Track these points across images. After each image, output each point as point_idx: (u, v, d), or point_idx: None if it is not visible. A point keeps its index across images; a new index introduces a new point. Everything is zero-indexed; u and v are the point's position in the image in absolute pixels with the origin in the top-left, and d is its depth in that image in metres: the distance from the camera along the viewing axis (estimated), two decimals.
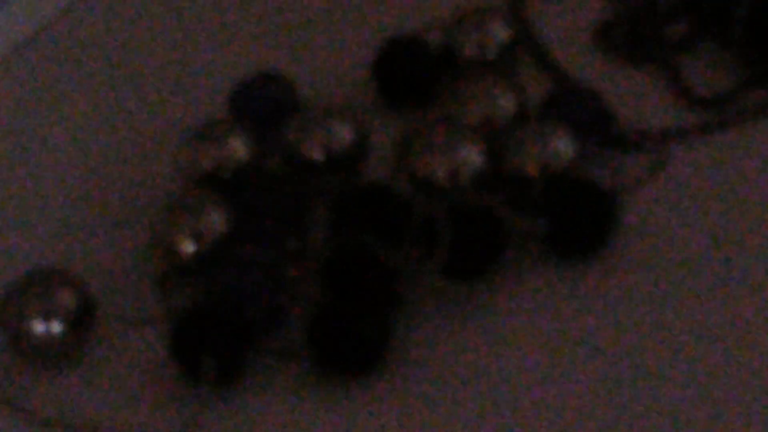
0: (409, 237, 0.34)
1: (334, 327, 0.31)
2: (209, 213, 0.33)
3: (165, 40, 0.45)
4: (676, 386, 0.32)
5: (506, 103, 0.36)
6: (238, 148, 0.35)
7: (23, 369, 0.33)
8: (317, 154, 0.35)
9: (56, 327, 0.32)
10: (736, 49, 0.40)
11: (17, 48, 0.45)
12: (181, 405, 0.32)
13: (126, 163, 0.40)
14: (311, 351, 0.32)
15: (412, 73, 0.39)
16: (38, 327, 0.32)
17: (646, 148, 0.37)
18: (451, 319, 0.34)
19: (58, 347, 0.33)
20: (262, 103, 0.38)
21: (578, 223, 0.33)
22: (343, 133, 0.35)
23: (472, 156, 0.34)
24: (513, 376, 0.33)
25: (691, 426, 0.32)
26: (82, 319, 0.33)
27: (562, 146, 0.34)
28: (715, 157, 0.36)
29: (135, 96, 0.43)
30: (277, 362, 0.33)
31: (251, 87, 0.38)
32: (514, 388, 0.32)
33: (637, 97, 0.39)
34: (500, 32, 0.39)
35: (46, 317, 0.32)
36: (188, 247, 0.33)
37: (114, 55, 0.44)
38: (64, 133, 0.42)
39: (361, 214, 0.34)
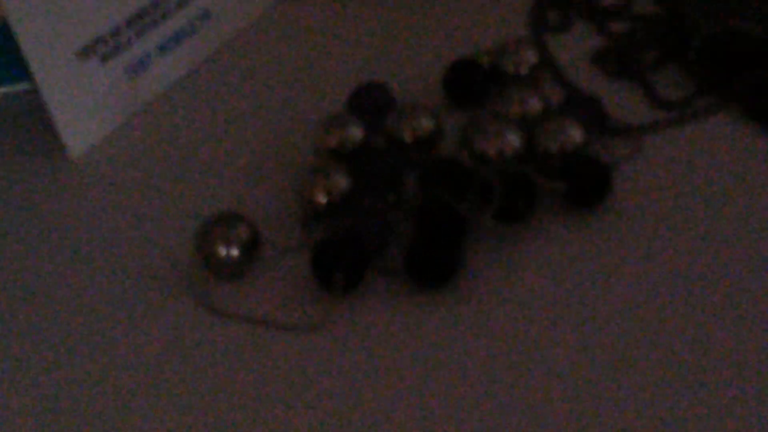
0: (471, 193, 0.33)
1: (422, 254, 0.31)
2: (335, 175, 0.33)
3: (307, 62, 0.43)
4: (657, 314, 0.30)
5: (535, 105, 0.35)
6: (355, 132, 0.35)
7: (213, 281, 0.33)
8: (408, 137, 0.35)
9: (234, 252, 0.32)
10: (691, 68, 0.38)
11: (214, 59, 0.43)
12: (317, 308, 0.31)
13: (279, 143, 0.39)
14: (407, 270, 0.31)
15: (470, 84, 0.38)
16: (222, 252, 0.32)
17: (629, 137, 0.35)
18: (500, 250, 0.33)
19: (235, 267, 0.32)
20: (371, 102, 0.37)
21: (585, 185, 0.33)
22: (426, 123, 0.35)
23: (512, 139, 0.33)
24: (543, 291, 0.31)
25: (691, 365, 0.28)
26: (251, 248, 0.32)
27: (574, 134, 0.33)
28: (677, 143, 0.35)
29: (288, 97, 0.41)
30: (383, 277, 0.32)
31: (363, 90, 0.37)
32: (544, 300, 0.31)
33: (623, 101, 0.38)
34: (530, 56, 0.38)
35: (228, 245, 0.32)
36: (321, 199, 0.33)
37: (276, 73, 0.42)
38: (241, 125, 0.41)
39: (439, 177, 0.33)
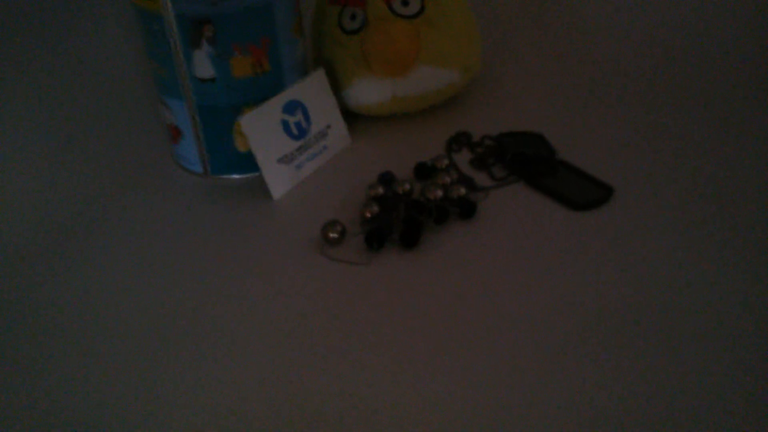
0: (425, 212, 0.53)
1: (405, 234, 0.48)
2: (372, 206, 0.54)
3: (361, 161, 0.66)
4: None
5: (447, 180, 0.59)
6: (379, 189, 0.58)
7: (327, 247, 0.51)
8: (400, 190, 0.60)
9: (335, 235, 0.51)
10: (507, 166, 0.63)
11: None
12: (367, 256, 0.49)
13: (354, 194, 0.59)
14: (400, 240, 0.49)
15: (424, 171, 0.63)
16: (332, 235, 0.50)
17: (483, 191, 0.58)
18: (436, 237, 0.51)
19: (336, 242, 0.51)
20: (387, 178, 0.60)
21: (466, 209, 0.55)
22: (407, 185, 0.60)
23: (438, 192, 0.57)
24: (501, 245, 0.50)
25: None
26: (343, 233, 0.51)
27: (461, 190, 0.57)
28: (502, 195, 0.56)
29: (356, 176, 0.62)
30: (391, 244, 0.49)
31: (383, 174, 0.61)
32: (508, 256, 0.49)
33: (479, 179, 0.61)
34: (445, 161, 0.64)
35: (332, 232, 0.50)
36: (367, 215, 0.53)
37: (350, 167, 0.64)
38: (337, 187, 0.61)
39: (412, 206, 0.54)
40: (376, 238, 0.51)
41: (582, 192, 0.60)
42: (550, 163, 0.64)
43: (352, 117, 0.74)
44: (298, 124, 0.67)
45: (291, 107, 0.66)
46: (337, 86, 0.73)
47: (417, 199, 0.57)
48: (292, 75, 0.67)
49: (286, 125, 0.66)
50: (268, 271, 0.52)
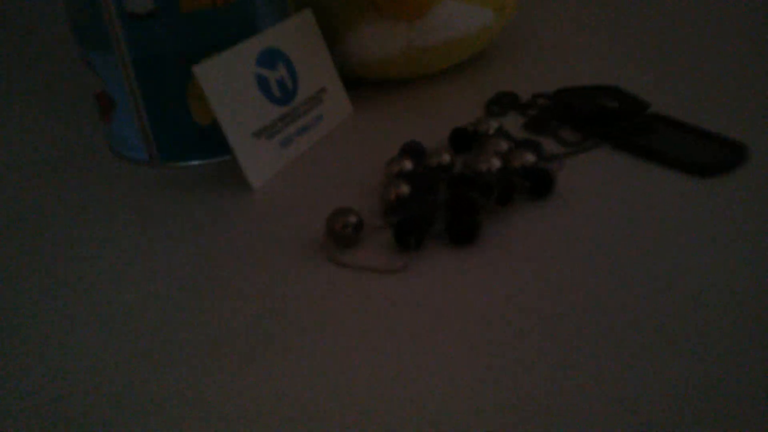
0: (478, 190, 0.39)
1: (456, 225, 0.36)
2: (402, 186, 0.40)
3: (373, 136, 0.51)
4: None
5: (503, 146, 0.44)
6: (406, 164, 0.42)
7: (337, 246, 0.38)
8: (435, 164, 0.43)
9: (348, 229, 0.38)
10: (576, 127, 0.48)
11: None
12: (397, 259, 0.37)
13: (367, 174, 0.45)
14: (448, 233, 0.37)
15: (463, 140, 0.47)
16: (343, 229, 0.37)
17: (556, 160, 0.44)
18: (498, 224, 0.38)
19: (349, 239, 0.38)
20: (412, 148, 0.44)
21: (541, 183, 0.40)
22: (446, 157, 0.43)
23: (495, 162, 0.42)
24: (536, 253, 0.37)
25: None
26: (358, 227, 0.38)
27: (530, 157, 0.42)
28: (579, 164, 0.43)
29: (368, 152, 0.48)
30: (434, 239, 0.38)
31: (407, 144, 0.45)
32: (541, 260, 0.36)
33: (547, 143, 0.46)
34: (493, 125, 0.48)
35: (344, 225, 0.38)
36: (402, 191, 0.40)
37: (359, 142, 0.50)
38: (342, 169, 0.47)
39: (460, 183, 0.40)
40: (412, 230, 0.37)
41: (701, 152, 0.45)
42: (645, 118, 0.49)
43: (352, 81, 0.59)
44: (281, 83, 0.50)
45: (269, 58, 0.49)
46: (331, 37, 0.57)
47: (464, 173, 0.42)
48: (268, 13, 0.51)
49: (263, 83, 0.48)
50: (252, 291, 0.37)
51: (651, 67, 0.60)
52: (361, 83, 0.61)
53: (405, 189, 0.41)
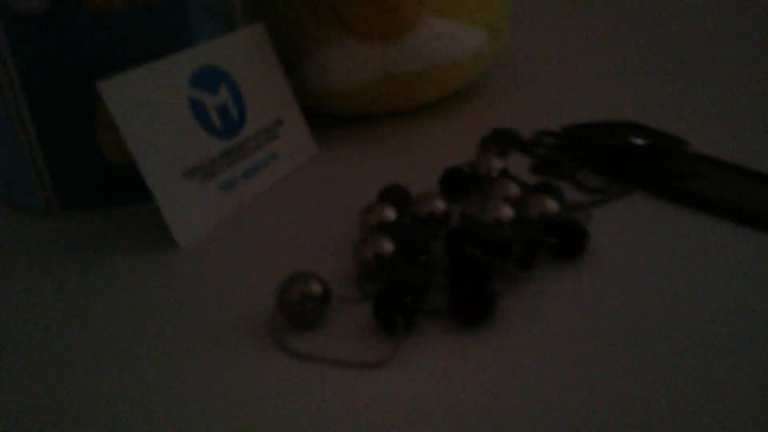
0: (492, 249, 0.31)
1: (467, 296, 0.29)
2: (381, 242, 0.31)
3: (342, 180, 0.43)
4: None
5: (514, 190, 0.36)
6: (388, 213, 0.34)
7: (293, 328, 0.30)
8: (424, 214, 0.34)
9: (310, 306, 0.29)
10: (601, 170, 0.41)
11: None
12: (379, 346, 0.28)
13: (336, 227, 0.37)
14: (452, 308, 0.29)
15: (458, 183, 0.39)
16: (302, 303, 0.29)
17: (582, 210, 0.36)
18: (515, 294, 0.31)
19: (310, 316, 0.29)
20: (395, 194, 0.36)
21: (573, 239, 0.32)
22: (440, 204, 0.35)
23: (506, 211, 0.34)
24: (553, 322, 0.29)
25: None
26: (323, 300, 0.29)
27: (552, 205, 0.34)
28: (609, 215, 0.36)
29: (336, 199, 0.40)
30: (429, 318, 0.30)
31: (388, 188, 0.36)
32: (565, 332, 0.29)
33: (566, 190, 0.38)
34: (498, 164, 0.39)
35: (305, 297, 0.29)
36: (383, 248, 0.31)
37: (325, 188, 0.42)
38: (303, 219, 0.38)
39: (464, 239, 0.32)
40: (399, 304, 0.29)
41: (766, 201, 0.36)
42: (686, 158, 0.40)
43: (316, 116, 0.50)
44: (222, 111, 0.40)
45: (207, 79, 0.39)
46: (289, 60, 0.47)
47: (467, 226, 0.33)
48: (207, 21, 0.41)
49: (199, 109, 0.38)
50: (170, 395, 0.27)
51: (673, 99, 0.52)
52: (328, 118, 0.51)
53: (387, 246, 0.33)
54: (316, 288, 0.29)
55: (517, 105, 0.53)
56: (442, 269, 0.32)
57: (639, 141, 0.41)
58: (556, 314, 0.30)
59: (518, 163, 0.44)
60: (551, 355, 0.28)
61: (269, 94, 0.44)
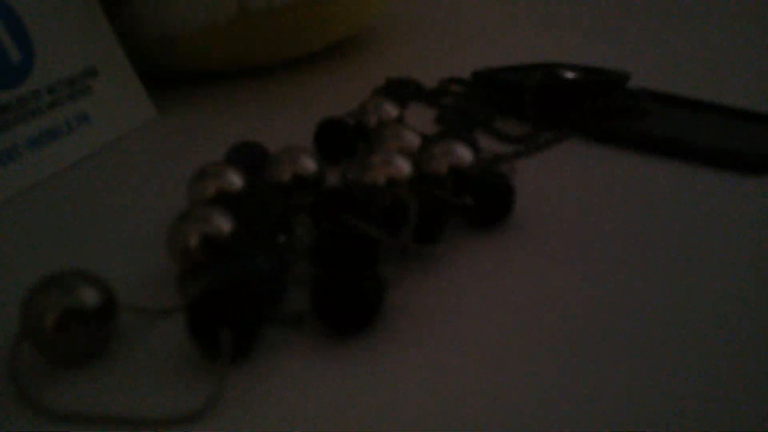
0: (381, 217, 0.23)
1: (333, 294, 0.19)
2: (214, 219, 0.21)
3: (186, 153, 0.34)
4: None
5: (413, 139, 0.27)
6: (233, 178, 0.24)
7: (50, 360, 0.19)
8: (289, 178, 0.25)
9: (76, 327, 0.18)
10: (523, 116, 0.34)
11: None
12: (199, 387, 0.18)
13: (169, 207, 0.28)
14: (318, 314, 0.19)
15: (338, 139, 0.30)
16: (55, 326, 0.18)
17: (504, 162, 0.29)
18: (415, 275, 0.22)
19: (78, 345, 0.18)
20: (247, 154, 0.28)
21: (494, 199, 0.24)
22: (308, 163, 0.25)
23: (400, 164, 0.25)
24: (469, 309, 0.21)
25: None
26: (101, 316, 0.19)
27: (464, 154, 0.25)
28: (528, 166, 0.29)
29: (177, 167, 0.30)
30: (284, 330, 0.20)
31: (238, 146, 0.28)
32: (474, 320, 0.21)
33: (481, 142, 0.29)
34: (392, 111, 0.31)
35: (65, 317, 0.18)
36: (199, 247, 0.21)
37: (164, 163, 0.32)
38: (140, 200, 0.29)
39: (338, 206, 0.23)
40: (228, 317, 0.18)
41: (740, 141, 0.29)
42: (629, 94, 0.33)
43: (153, 71, 0.40)
44: None
45: None
46: None
47: (346, 189, 0.23)
48: None
49: None
50: None
51: (600, 38, 0.44)
52: (167, 75, 0.41)
53: (223, 224, 0.22)
54: (87, 297, 0.19)
55: (420, 56, 0.44)
56: (309, 254, 0.21)
57: (569, 75, 0.33)
58: (471, 306, 0.21)
59: (419, 116, 0.35)
60: (465, 369, 0.18)
61: (75, 31, 0.33)
